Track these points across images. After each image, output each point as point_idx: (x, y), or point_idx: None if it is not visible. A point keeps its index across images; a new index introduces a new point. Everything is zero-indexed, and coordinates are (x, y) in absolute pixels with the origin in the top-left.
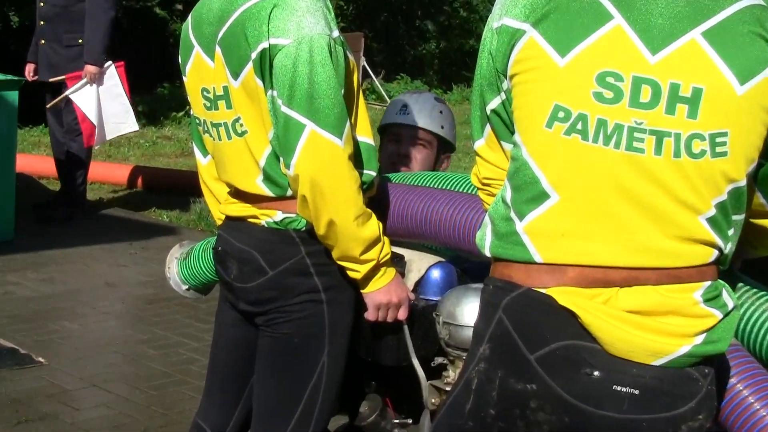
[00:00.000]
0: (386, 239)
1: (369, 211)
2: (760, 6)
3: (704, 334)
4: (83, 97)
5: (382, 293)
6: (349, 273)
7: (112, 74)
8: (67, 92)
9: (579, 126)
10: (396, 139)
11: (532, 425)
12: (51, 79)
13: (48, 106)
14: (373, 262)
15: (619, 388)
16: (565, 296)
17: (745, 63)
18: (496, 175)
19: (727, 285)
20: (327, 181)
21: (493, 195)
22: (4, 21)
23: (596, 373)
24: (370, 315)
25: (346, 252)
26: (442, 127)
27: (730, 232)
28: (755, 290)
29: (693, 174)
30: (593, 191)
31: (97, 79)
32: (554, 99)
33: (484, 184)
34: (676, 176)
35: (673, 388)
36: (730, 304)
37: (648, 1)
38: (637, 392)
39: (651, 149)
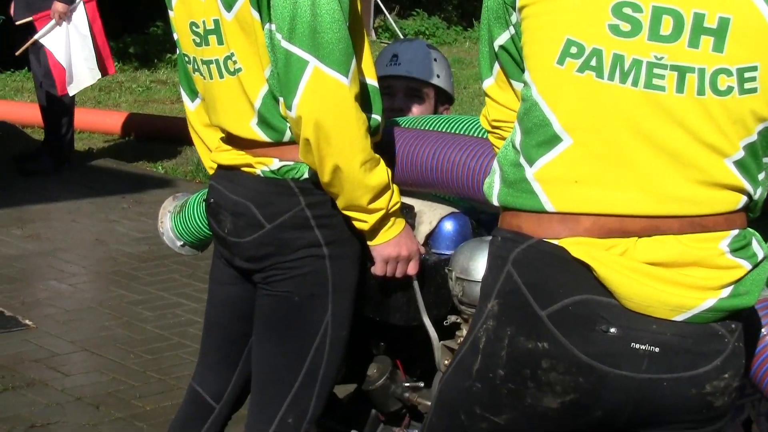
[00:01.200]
0: (395, 187)
1: (377, 156)
2: None
3: (731, 287)
4: (53, 39)
5: (390, 246)
6: (356, 224)
7: (81, 14)
8: (36, 36)
9: (593, 62)
10: (388, 92)
11: (543, 386)
12: (18, 22)
13: (17, 53)
14: (382, 212)
15: (637, 346)
16: (579, 247)
17: None
18: (507, 116)
19: (757, 234)
20: (332, 123)
21: (504, 139)
22: None
23: (612, 330)
24: (377, 269)
25: (352, 201)
26: (438, 77)
27: (761, 176)
28: None
29: (719, 113)
30: (609, 134)
31: (66, 18)
32: (566, 33)
33: (494, 127)
34: (700, 116)
35: (697, 346)
36: (760, 254)
37: None
38: (657, 350)
39: (672, 87)
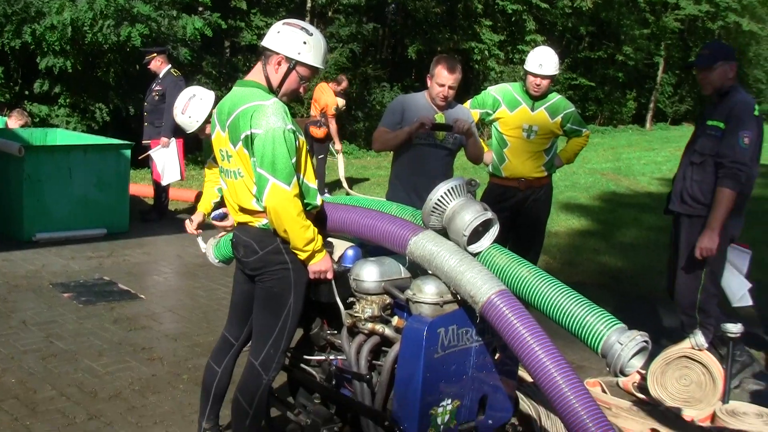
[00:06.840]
0: (319, 237)
1: (308, 222)
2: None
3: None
4: (158, 155)
5: (317, 265)
6: (298, 256)
7: (173, 145)
8: (150, 151)
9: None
10: None
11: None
12: (143, 142)
13: (139, 157)
14: (310, 252)
15: None
16: None
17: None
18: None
19: None
20: (281, 210)
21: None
22: (126, 112)
23: None
24: (310, 276)
25: (295, 245)
26: None
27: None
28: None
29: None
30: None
31: (167, 146)
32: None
33: None
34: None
35: None
36: None
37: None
38: None
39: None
